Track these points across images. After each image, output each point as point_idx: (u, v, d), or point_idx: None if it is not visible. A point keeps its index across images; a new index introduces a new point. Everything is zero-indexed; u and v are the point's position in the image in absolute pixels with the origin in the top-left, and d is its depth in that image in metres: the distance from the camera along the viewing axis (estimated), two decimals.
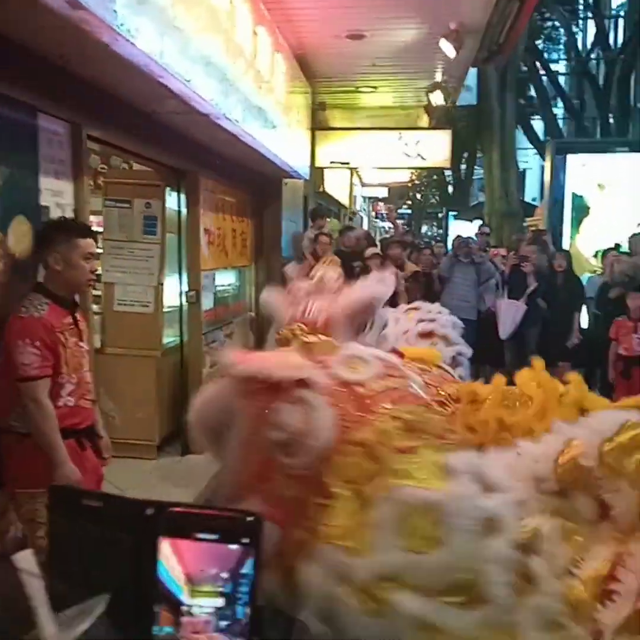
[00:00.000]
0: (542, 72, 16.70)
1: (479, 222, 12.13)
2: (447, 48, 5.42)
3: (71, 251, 2.55)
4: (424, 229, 31.69)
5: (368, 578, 1.52)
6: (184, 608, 0.60)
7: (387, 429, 1.75)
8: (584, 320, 6.61)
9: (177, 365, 5.21)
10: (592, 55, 18.43)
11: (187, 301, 5.13)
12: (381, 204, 19.73)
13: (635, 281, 6.07)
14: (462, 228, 12.29)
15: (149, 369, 4.91)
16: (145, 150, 4.23)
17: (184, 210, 5.07)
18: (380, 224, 25.28)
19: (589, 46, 18.88)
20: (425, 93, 7.20)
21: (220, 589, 0.61)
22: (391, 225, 10.04)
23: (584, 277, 7.29)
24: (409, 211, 32.50)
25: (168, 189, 4.98)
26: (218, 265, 5.67)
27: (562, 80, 19.22)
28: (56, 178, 3.02)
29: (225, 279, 6.11)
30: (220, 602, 0.60)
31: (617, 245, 7.38)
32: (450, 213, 17.84)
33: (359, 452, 1.74)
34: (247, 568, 0.62)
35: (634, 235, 7.15)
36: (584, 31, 19.24)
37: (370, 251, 6.83)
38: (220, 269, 5.79)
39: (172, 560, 0.62)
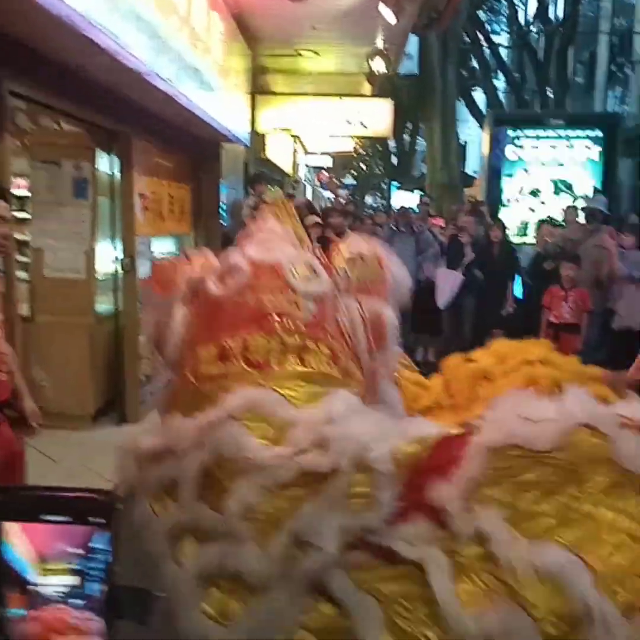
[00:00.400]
0: (484, 43, 16.81)
1: (421, 193, 12.28)
2: (387, 13, 5.37)
3: None
4: (369, 200, 31.78)
5: None
6: (34, 588, 0.58)
7: (200, 355, 1.71)
8: (517, 289, 6.80)
9: (112, 334, 5.09)
10: (533, 28, 18.67)
11: (121, 268, 4.99)
12: (325, 173, 19.61)
13: (566, 252, 6.27)
14: (405, 199, 12.39)
15: (82, 338, 4.78)
16: (74, 110, 4.05)
17: (117, 174, 4.89)
18: (325, 193, 25.18)
19: (530, 19, 19.10)
20: (366, 59, 7.14)
21: (73, 567, 0.59)
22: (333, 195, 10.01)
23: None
24: (354, 182, 32.50)
25: (99, 151, 4.80)
26: (154, 231, 5.52)
27: (503, 52, 19.41)
28: None
29: (163, 247, 5.97)
30: (72, 580, 0.58)
31: (550, 218, 7.59)
32: (393, 184, 17.95)
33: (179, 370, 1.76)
34: (100, 543, 0.60)
35: (568, 207, 7.36)
36: (525, 4, 19.41)
37: (310, 220, 6.80)
38: (157, 236, 5.65)
39: (20, 540, 0.60)
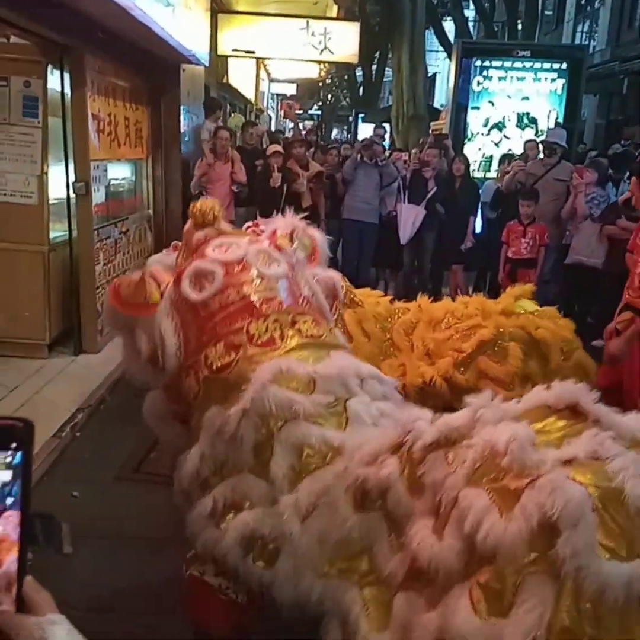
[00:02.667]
0: None
1: (387, 125, 12.05)
2: None
3: None
4: (334, 132, 31.10)
5: None
6: None
7: (208, 355, 2.01)
8: (478, 224, 6.83)
9: (66, 262, 4.95)
10: None
11: (74, 193, 4.81)
12: (289, 101, 19.02)
13: (526, 187, 6.29)
14: (371, 131, 12.12)
15: (35, 265, 4.65)
16: (24, 21, 3.79)
17: (68, 92, 4.64)
18: (290, 124, 24.51)
19: None
20: None
21: (8, 460, 0.59)
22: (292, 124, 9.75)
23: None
24: (319, 112, 31.66)
25: (50, 66, 4.53)
26: (110, 156, 5.31)
27: None
28: None
29: (119, 172, 5.76)
30: (7, 474, 0.58)
31: (511, 154, 7.56)
32: (359, 115, 17.56)
33: (192, 373, 2.05)
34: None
35: (528, 141, 7.33)
36: None
37: (271, 148, 6.64)
38: (113, 161, 5.44)
39: None
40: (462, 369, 2.77)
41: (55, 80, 4.61)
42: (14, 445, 0.58)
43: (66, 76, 4.61)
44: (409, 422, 1.63)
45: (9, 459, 0.58)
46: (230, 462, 1.87)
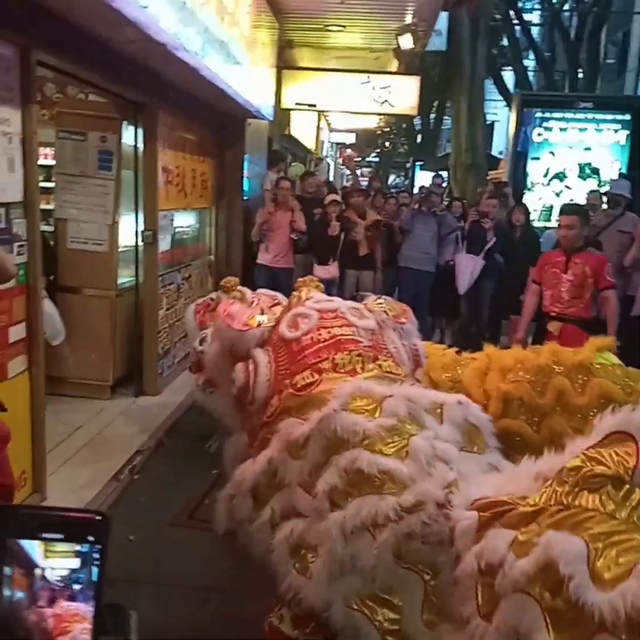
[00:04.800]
0: (515, 21, 16.42)
1: (445, 172, 12.11)
2: None
3: None
4: (391, 178, 31.47)
5: None
6: (38, 571, 0.59)
7: (295, 379, 2.24)
8: None
9: (132, 307, 5.14)
10: (566, 7, 18.19)
11: (143, 241, 5.02)
12: (348, 150, 19.44)
13: (589, 238, 6.17)
14: (428, 179, 12.23)
15: (103, 309, 4.84)
16: (101, 80, 4.05)
17: (141, 146, 4.90)
18: (348, 171, 24.97)
19: None
20: (394, 36, 7.02)
21: (77, 549, 0.60)
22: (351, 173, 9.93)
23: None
24: (377, 159, 32.16)
25: (125, 122, 4.80)
26: (176, 205, 5.54)
27: (534, 31, 18.95)
28: (2, 105, 2.87)
29: (184, 221, 5.99)
30: (75, 563, 0.59)
31: (573, 203, 7.45)
32: (417, 163, 17.73)
33: (276, 397, 2.26)
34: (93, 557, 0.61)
35: (591, 191, 7.23)
36: None
37: (330, 197, 6.77)
38: (179, 210, 5.67)
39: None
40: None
41: (128, 135, 4.87)
42: (90, 538, 0.60)
43: (140, 131, 4.87)
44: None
45: (78, 548, 0.60)
46: (282, 471, 2.03)
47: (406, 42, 6.69)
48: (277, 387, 2.29)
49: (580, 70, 16.27)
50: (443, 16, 7.80)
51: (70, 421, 4.49)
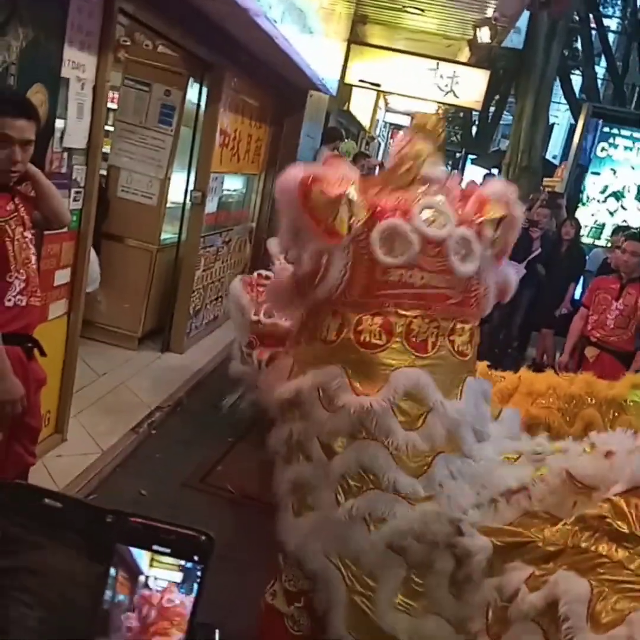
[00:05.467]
0: (592, 25, 15.89)
1: (496, 170, 11.87)
2: None
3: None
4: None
5: None
6: (142, 577, 0.60)
7: (363, 321, 1.99)
8: (578, 291, 6.62)
9: (171, 263, 5.17)
10: None
11: (190, 201, 5.02)
12: (401, 132, 19.13)
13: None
14: (478, 174, 12.02)
15: (143, 262, 4.87)
16: (175, 34, 4.01)
17: (203, 106, 4.86)
18: None
19: None
20: (472, 27, 6.83)
21: (181, 563, 0.61)
22: None
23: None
24: None
25: (191, 79, 4.76)
26: (228, 169, 5.51)
27: (610, 38, 18.33)
28: (80, 50, 2.86)
29: (233, 185, 5.97)
30: (178, 576, 0.61)
31: (626, 226, 7.29)
32: (469, 156, 17.42)
33: (339, 321, 2.04)
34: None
35: None
36: None
37: None
38: (230, 174, 5.65)
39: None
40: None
41: (192, 92, 4.84)
42: (195, 557, 0.61)
43: (204, 90, 4.83)
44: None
45: (182, 562, 0.61)
46: (307, 410, 1.99)
47: (484, 35, 6.52)
48: (341, 304, 2.02)
49: None
50: (524, 14, 7.55)
51: (96, 367, 4.55)
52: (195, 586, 0.60)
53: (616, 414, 2.79)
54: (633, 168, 8.21)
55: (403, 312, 1.98)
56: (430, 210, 2.03)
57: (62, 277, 3.20)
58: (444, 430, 1.92)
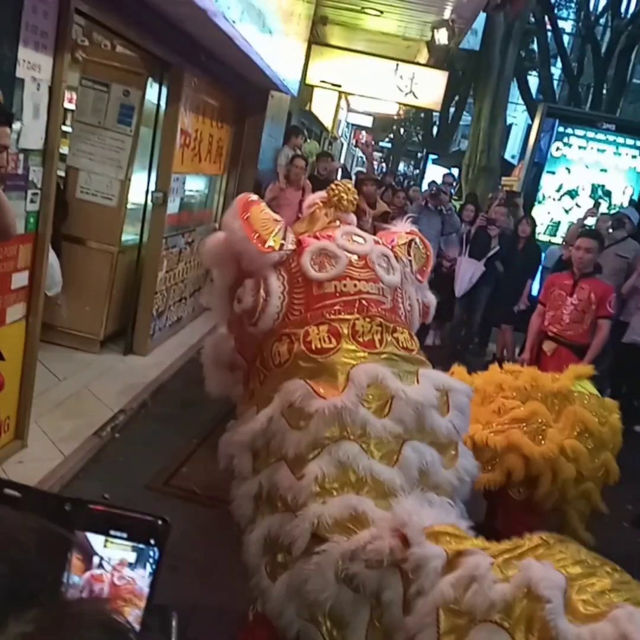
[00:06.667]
0: (548, 27, 16.24)
1: (456, 170, 12.06)
2: None
3: None
4: (401, 166, 31.27)
5: None
6: (96, 559, 0.62)
7: (309, 333, 2.09)
8: (535, 287, 6.77)
9: (132, 265, 5.12)
10: (601, 20, 18.01)
11: (152, 202, 4.98)
12: (363, 133, 19.25)
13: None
14: (439, 173, 12.18)
15: (104, 264, 4.81)
16: (133, 34, 3.97)
17: (163, 106, 4.83)
18: (359, 153, 24.77)
19: (599, 10, 18.42)
20: (430, 28, 6.94)
21: (134, 544, 0.63)
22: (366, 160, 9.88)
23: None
24: (390, 145, 31.90)
25: (150, 79, 4.73)
26: (190, 169, 5.49)
27: (565, 40, 18.76)
28: (36, 50, 2.82)
29: (195, 185, 5.94)
30: (131, 556, 0.63)
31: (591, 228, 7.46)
32: (430, 156, 17.63)
33: (286, 341, 2.13)
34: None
35: (603, 214, 7.25)
36: None
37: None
38: (191, 174, 5.62)
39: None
40: (492, 433, 2.75)
41: (152, 92, 4.80)
42: (152, 541, 0.63)
43: (163, 90, 4.80)
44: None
45: (136, 544, 0.63)
46: (279, 440, 1.99)
47: (442, 36, 6.62)
48: (286, 328, 2.14)
49: (605, 86, 16.18)
50: (481, 15, 7.69)
51: (57, 371, 4.49)
52: (150, 567, 0.62)
53: (561, 405, 2.89)
54: (587, 167, 8.43)
55: (345, 317, 2.10)
56: (349, 234, 2.29)
57: (19, 280, 3.15)
58: (413, 411, 1.96)
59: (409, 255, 2.40)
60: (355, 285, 2.17)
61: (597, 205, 7.59)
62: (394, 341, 2.12)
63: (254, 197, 2.26)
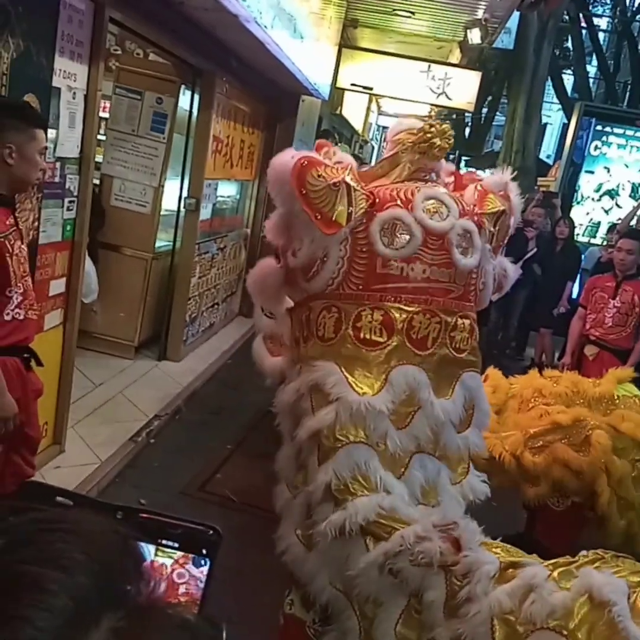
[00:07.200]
0: (583, 24, 15.95)
1: (489, 171, 11.88)
2: None
3: (28, 143, 2.10)
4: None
5: None
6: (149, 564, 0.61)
7: (362, 316, 1.91)
8: (575, 290, 6.62)
9: (166, 271, 5.15)
10: (638, 17, 17.61)
11: (185, 208, 5.01)
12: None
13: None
14: None
15: (138, 270, 4.86)
16: (166, 42, 4.00)
17: (195, 112, 4.86)
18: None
19: (635, 6, 18.01)
20: (463, 28, 6.85)
21: (185, 554, 0.62)
22: None
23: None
24: None
25: (183, 87, 4.76)
26: (222, 175, 5.51)
27: (601, 37, 18.40)
28: (71, 59, 2.85)
29: (227, 191, 5.96)
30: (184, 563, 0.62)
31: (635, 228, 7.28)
32: (463, 158, 17.46)
33: (335, 316, 1.94)
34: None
35: None
36: None
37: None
38: (223, 180, 5.64)
39: None
40: (533, 450, 2.66)
41: (184, 100, 4.84)
42: (203, 551, 0.61)
43: (196, 97, 4.82)
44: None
45: (187, 554, 0.61)
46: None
47: (475, 36, 6.53)
48: (337, 297, 1.92)
49: None
50: (514, 14, 7.57)
51: (93, 377, 4.54)
52: (202, 577, 0.60)
53: (608, 410, 2.80)
54: (626, 166, 8.22)
55: (404, 307, 1.89)
56: (431, 201, 1.94)
57: (57, 287, 3.19)
58: (429, 430, 1.89)
59: (495, 227, 2.05)
60: (424, 272, 1.90)
61: None
62: (449, 340, 1.94)
63: (304, 157, 1.87)
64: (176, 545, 0.61)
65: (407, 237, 1.89)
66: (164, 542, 0.60)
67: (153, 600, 0.54)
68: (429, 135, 2.03)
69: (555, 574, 1.40)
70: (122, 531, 0.54)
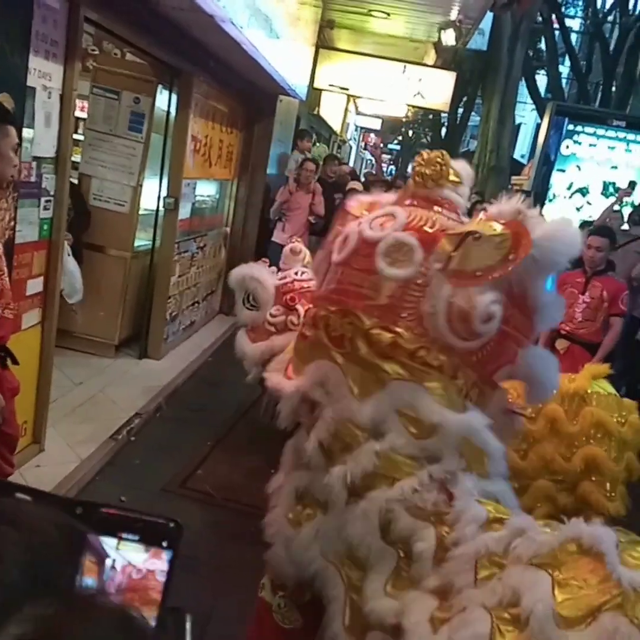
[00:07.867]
0: (555, 26, 16.18)
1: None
2: None
3: (1, 140, 2.11)
4: (410, 167, 31.17)
5: None
6: (109, 561, 0.63)
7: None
8: (550, 287, 6.71)
9: (145, 270, 5.17)
10: (609, 18, 17.91)
11: (164, 207, 5.03)
12: (372, 135, 19.28)
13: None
14: None
15: (117, 270, 4.86)
16: (143, 42, 4.02)
17: (173, 112, 4.88)
18: (368, 155, 24.79)
19: (607, 7, 18.32)
20: (437, 29, 6.95)
21: (147, 546, 0.63)
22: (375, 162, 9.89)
23: None
24: (398, 147, 31.90)
25: (160, 86, 4.78)
26: (200, 175, 5.53)
27: (573, 38, 18.68)
28: (46, 59, 2.87)
29: (206, 190, 5.98)
30: (144, 557, 0.63)
31: (591, 221, 7.42)
32: None
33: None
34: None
35: (615, 211, 7.20)
36: None
37: (351, 185, 6.76)
38: (202, 179, 5.66)
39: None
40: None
41: (162, 99, 4.85)
42: (164, 543, 0.63)
43: (173, 97, 4.85)
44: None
45: (148, 547, 0.63)
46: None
47: (449, 37, 6.63)
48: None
49: (614, 83, 16.09)
50: (487, 15, 7.69)
51: (73, 376, 4.54)
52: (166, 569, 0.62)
53: (579, 406, 2.87)
54: (597, 164, 8.38)
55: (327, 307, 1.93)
56: (379, 216, 1.96)
57: (34, 286, 3.20)
58: (454, 446, 1.77)
59: (456, 250, 1.88)
60: (345, 274, 1.93)
61: (632, 185, 7.50)
62: (365, 345, 1.85)
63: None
64: (137, 538, 0.62)
65: (349, 242, 1.94)
66: (125, 535, 0.62)
67: (91, 592, 0.55)
68: (418, 168, 2.03)
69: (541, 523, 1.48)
70: (68, 524, 0.55)
